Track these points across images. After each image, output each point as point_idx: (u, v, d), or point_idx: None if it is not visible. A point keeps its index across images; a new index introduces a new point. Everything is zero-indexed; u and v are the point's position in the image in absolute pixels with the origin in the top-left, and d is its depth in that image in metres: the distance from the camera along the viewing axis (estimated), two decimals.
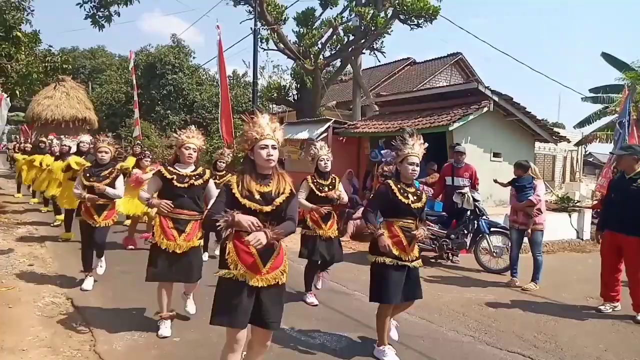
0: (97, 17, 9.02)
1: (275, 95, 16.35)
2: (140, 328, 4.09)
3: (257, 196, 2.67)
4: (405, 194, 3.59)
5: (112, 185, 5.26)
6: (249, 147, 2.76)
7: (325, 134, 11.47)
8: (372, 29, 13.84)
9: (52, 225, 8.88)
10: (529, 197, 5.95)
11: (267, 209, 2.67)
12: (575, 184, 18.26)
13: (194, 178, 4.00)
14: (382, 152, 10.03)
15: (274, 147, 2.72)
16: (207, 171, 4.17)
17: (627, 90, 8.70)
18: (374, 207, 3.74)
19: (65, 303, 4.72)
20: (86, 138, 7.88)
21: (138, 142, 10.42)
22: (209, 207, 2.71)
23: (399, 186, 3.62)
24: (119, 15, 9.26)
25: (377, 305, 3.70)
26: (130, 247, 7.37)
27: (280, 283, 2.76)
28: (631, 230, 4.82)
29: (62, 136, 12.26)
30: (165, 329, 3.95)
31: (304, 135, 11.85)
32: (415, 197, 3.64)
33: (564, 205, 10.20)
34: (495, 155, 10.06)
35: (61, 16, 68.00)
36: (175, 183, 3.89)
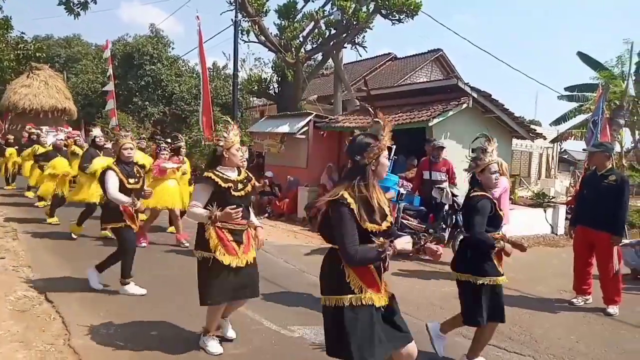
0: (71, 4, 8.75)
1: (255, 88, 16.22)
2: (117, 321, 4.04)
3: (378, 215, 2.35)
4: (497, 205, 3.38)
5: (144, 185, 4.99)
6: (374, 157, 2.40)
7: (306, 128, 11.45)
8: (354, 23, 13.83)
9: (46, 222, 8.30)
10: None
11: (384, 227, 2.39)
12: (550, 180, 18.70)
13: (245, 184, 3.55)
14: None
15: None
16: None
17: (601, 90, 8.90)
18: (484, 224, 3.30)
19: (38, 297, 4.60)
20: (99, 131, 7.59)
21: (143, 136, 10.11)
22: (344, 240, 2.26)
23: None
24: (95, 3, 9.05)
25: None
26: (143, 243, 6.81)
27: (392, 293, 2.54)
28: (602, 225, 4.95)
29: (43, 128, 11.83)
30: (216, 345, 3.57)
31: (284, 129, 11.80)
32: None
33: (539, 201, 10.44)
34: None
35: (34, 3, 66.00)
36: (233, 192, 3.41)
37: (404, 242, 2.38)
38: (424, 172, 7.62)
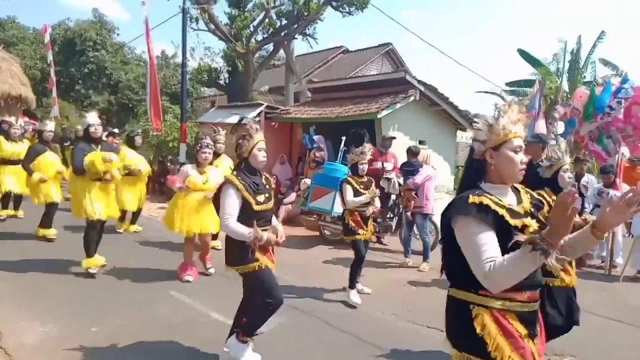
0: None
1: (205, 78, 15.88)
2: (52, 320, 3.87)
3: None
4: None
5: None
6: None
7: (257, 119, 11.37)
8: (305, 14, 13.81)
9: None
10: (407, 182, 6.35)
11: None
12: None
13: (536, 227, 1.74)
14: (315, 137, 10.13)
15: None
16: None
17: (538, 85, 9.37)
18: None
19: None
20: (51, 125, 6.83)
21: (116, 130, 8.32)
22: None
23: None
24: None
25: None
26: (188, 277, 5.14)
27: None
28: None
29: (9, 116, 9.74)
30: None
31: (235, 119, 11.66)
32: None
33: None
34: (421, 142, 10.49)
35: None
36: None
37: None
38: (374, 162, 7.78)
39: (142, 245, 6.70)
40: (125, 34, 61.38)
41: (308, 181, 8.37)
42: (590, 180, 7.15)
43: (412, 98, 9.61)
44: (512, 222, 1.67)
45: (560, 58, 16.55)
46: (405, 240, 6.64)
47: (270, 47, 15.99)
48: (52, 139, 6.90)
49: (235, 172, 3.07)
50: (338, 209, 7.12)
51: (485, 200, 1.68)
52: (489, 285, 1.61)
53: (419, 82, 9.83)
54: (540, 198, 1.94)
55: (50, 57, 15.96)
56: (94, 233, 5.10)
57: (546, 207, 1.87)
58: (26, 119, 9.34)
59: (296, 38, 15.15)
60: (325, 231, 7.68)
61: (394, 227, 7.53)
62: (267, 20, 14.64)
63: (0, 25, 34.55)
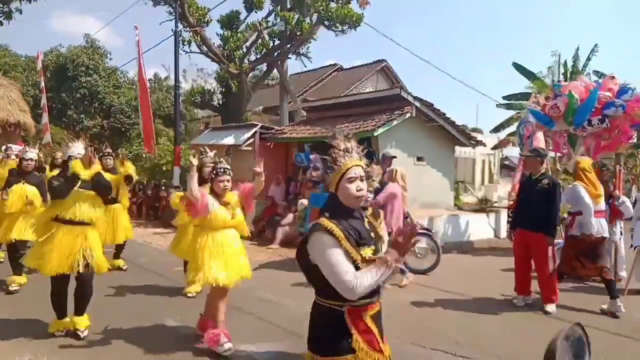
0: None
1: (199, 99, 15.88)
2: (42, 345, 3.68)
3: None
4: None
5: None
6: None
7: (252, 140, 11.29)
8: (298, 34, 13.89)
9: None
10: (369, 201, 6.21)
11: None
12: (493, 186, 19.43)
13: None
14: (311, 156, 10.04)
15: None
16: None
17: (534, 98, 9.35)
18: None
19: None
20: (30, 154, 5.62)
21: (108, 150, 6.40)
22: None
23: None
24: (20, 13, 8.47)
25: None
26: (226, 345, 3.77)
27: None
28: (537, 227, 5.15)
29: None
30: None
31: (229, 140, 11.59)
32: None
33: (483, 206, 10.80)
34: (419, 159, 10.41)
35: None
36: None
37: None
38: None
39: (136, 272, 6.51)
40: (117, 59, 61.90)
41: (305, 201, 8.23)
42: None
43: (408, 115, 9.57)
44: None
45: (555, 71, 16.62)
46: None
47: (264, 66, 16.05)
48: (34, 168, 5.73)
49: (326, 212, 1.96)
50: None
51: None
52: None
53: (415, 98, 9.80)
54: None
55: (42, 84, 15.89)
56: (58, 291, 4.01)
57: None
58: (24, 146, 8.75)
59: (290, 58, 15.23)
60: None
61: None
62: (259, 40, 14.71)
63: None
